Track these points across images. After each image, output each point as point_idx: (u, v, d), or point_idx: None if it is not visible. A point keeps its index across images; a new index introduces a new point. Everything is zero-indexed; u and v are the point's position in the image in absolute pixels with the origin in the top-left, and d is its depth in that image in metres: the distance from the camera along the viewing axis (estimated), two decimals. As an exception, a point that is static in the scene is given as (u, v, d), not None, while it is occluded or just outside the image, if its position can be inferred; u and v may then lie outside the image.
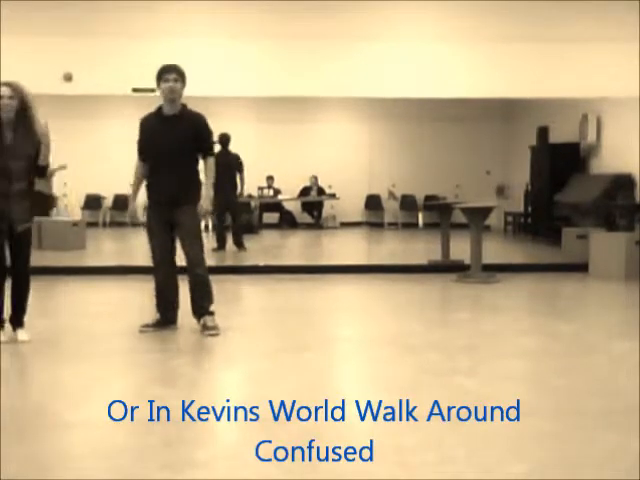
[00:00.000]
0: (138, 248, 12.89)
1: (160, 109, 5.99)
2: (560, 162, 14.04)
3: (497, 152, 17.81)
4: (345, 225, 18.05)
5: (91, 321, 6.62)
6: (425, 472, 3.28)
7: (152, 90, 10.61)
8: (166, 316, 6.02)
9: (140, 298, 7.61)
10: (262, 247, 13.53)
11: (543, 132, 14.95)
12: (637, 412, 4.02)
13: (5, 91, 5.39)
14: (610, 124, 13.19)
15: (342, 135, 18.18)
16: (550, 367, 5.19)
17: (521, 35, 10.22)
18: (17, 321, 5.68)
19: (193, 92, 10.93)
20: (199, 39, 10.21)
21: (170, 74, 5.85)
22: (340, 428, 3.91)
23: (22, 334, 5.66)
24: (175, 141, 5.83)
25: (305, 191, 17.95)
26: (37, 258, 10.63)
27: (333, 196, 18.01)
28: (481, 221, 9.49)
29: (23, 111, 5.43)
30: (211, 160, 6.01)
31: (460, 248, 10.27)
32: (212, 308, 5.99)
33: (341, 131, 18.17)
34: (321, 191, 18.00)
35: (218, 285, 6.39)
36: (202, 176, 6.06)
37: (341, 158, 18.08)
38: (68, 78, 9.93)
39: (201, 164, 6.04)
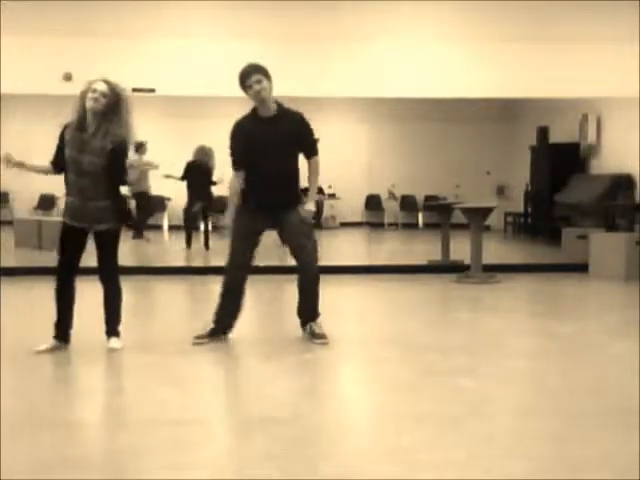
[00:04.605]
0: (137, 248, 12.89)
1: (255, 111, 5.62)
2: (560, 162, 14.05)
3: (497, 152, 17.80)
4: (345, 225, 18.05)
5: (91, 321, 6.61)
6: (425, 472, 3.28)
7: (152, 90, 10.65)
8: (224, 323, 5.75)
9: (139, 299, 7.62)
10: (262, 247, 13.50)
11: (543, 132, 14.95)
12: (637, 412, 4.02)
13: (101, 87, 5.24)
14: (610, 124, 13.19)
15: (342, 135, 18.17)
16: (550, 367, 5.19)
17: (521, 35, 10.23)
18: (109, 330, 5.49)
19: (193, 92, 11.02)
20: (199, 39, 10.22)
21: (251, 77, 5.47)
22: (340, 428, 3.91)
23: (114, 342, 5.46)
24: (276, 143, 5.50)
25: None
26: (37, 258, 10.66)
27: (333, 196, 18.02)
28: (481, 221, 9.49)
29: (112, 112, 5.27)
30: (316, 160, 5.75)
31: (460, 248, 10.27)
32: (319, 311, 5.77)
33: (341, 131, 18.15)
34: (320, 191, 17.98)
35: (215, 287, 6.34)
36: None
37: (341, 158, 18.06)
38: (68, 78, 9.93)
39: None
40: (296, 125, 5.64)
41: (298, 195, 5.80)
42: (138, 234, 13.93)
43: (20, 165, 5.35)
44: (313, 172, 5.78)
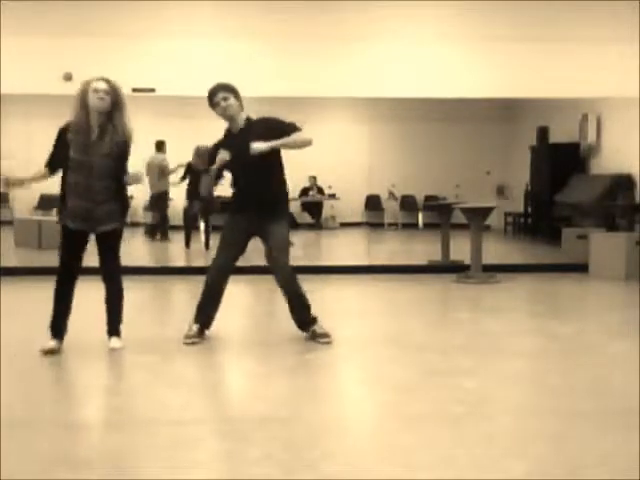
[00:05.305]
0: (136, 248, 12.90)
1: (229, 129, 5.79)
2: (560, 162, 14.05)
3: (497, 152, 17.82)
4: (345, 225, 18.06)
5: (91, 321, 6.61)
6: (425, 472, 3.28)
7: (152, 90, 10.64)
8: (204, 321, 5.82)
9: (139, 299, 7.61)
10: (262, 247, 13.50)
11: (543, 132, 14.96)
12: (636, 412, 4.02)
13: (103, 85, 5.21)
14: (610, 124, 13.19)
15: (342, 135, 18.19)
16: (550, 367, 5.19)
17: (521, 35, 10.23)
18: (110, 329, 5.52)
19: (193, 92, 11.01)
20: (199, 39, 10.22)
21: (216, 96, 5.62)
22: (340, 428, 3.92)
23: (115, 341, 5.49)
24: (248, 154, 5.51)
25: (305, 192, 17.98)
26: (36, 258, 10.66)
27: (333, 196, 18.03)
28: (481, 221, 9.49)
29: (113, 110, 5.26)
30: (298, 132, 5.61)
31: (460, 248, 10.27)
32: (313, 315, 5.82)
33: (341, 131, 18.17)
34: (320, 191, 18.02)
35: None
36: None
37: (341, 158, 18.08)
38: (68, 78, 9.93)
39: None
40: (262, 126, 5.67)
41: (280, 202, 5.84)
42: (163, 236, 14.00)
43: (20, 183, 5.38)
44: (294, 136, 5.63)
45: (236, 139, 5.66)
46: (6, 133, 16.98)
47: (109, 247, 5.50)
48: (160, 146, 13.90)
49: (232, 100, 5.64)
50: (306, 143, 5.69)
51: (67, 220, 5.35)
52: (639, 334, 6.08)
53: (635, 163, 11.81)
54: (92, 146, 5.25)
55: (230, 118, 5.70)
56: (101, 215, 5.35)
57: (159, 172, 13.60)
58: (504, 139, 17.78)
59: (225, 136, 5.81)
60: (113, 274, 5.54)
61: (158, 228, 14.21)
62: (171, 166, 13.70)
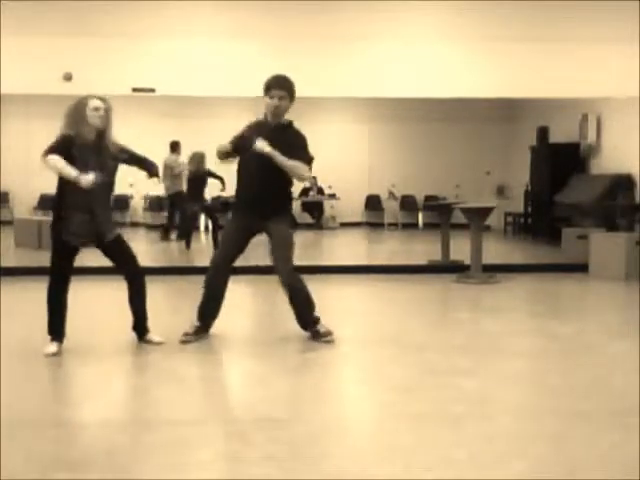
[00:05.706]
0: (136, 248, 12.90)
1: (266, 117, 5.75)
2: (560, 162, 14.05)
3: (497, 152, 17.81)
4: (345, 225, 18.05)
5: (93, 322, 6.62)
6: (425, 472, 3.28)
7: (152, 90, 10.63)
8: (206, 321, 5.85)
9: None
10: (262, 247, 13.49)
11: (543, 132, 14.95)
12: (637, 412, 4.02)
13: (102, 104, 5.25)
14: (610, 124, 13.19)
15: (342, 135, 18.18)
16: (550, 367, 5.20)
17: (521, 35, 10.23)
18: (145, 326, 5.62)
19: (193, 92, 11.02)
20: (199, 39, 10.22)
21: (275, 90, 5.60)
22: (340, 428, 3.92)
23: (156, 337, 5.62)
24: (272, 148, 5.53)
25: (305, 192, 17.98)
26: (36, 258, 10.66)
27: (333, 196, 18.02)
28: (481, 221, 9.49)
29: (107, 127, 5.31)
30: (303, 164, 5.63)
31: (460, 248, 10.27)
32: (316, 314, 5.84)
33: (341, 131, 18.16)
34: (320, 191, 18.02)
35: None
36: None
37: (341, 158, 18.06)
38: (68, 78, 9.93)
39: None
40: (291, 139, 5.68)
41: (285, 203, 5.88)
42: (164, 235, 13.96)
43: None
44: (295, 163, 5.62)
45: (268, 132, 5.59)
46: (6, 133, 16.98)
47: (121, 252, 5.54)
48: (174, 147, 13.89)
49: (285, 102, 5.64)
50: (301, 176, 5.75)
51: (69, 236, 5.32)
52: (639, 334, 6.08)
53: (635, 163, 11.81)
54: (99, 165, 5.25)
55: (275, 116, 5.68)
56: (102, 229, 5.38)
57: (170, 173, 13.58)
58: (504, 139, 17.77)
59: (261, 123, 5.75)
60: (136, 275, 5.59)
61: (183, 228, 14.11)
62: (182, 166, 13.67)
